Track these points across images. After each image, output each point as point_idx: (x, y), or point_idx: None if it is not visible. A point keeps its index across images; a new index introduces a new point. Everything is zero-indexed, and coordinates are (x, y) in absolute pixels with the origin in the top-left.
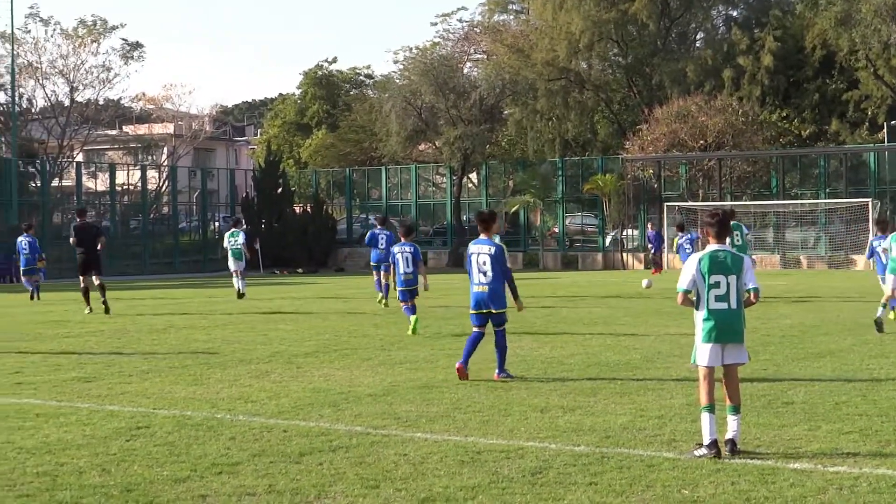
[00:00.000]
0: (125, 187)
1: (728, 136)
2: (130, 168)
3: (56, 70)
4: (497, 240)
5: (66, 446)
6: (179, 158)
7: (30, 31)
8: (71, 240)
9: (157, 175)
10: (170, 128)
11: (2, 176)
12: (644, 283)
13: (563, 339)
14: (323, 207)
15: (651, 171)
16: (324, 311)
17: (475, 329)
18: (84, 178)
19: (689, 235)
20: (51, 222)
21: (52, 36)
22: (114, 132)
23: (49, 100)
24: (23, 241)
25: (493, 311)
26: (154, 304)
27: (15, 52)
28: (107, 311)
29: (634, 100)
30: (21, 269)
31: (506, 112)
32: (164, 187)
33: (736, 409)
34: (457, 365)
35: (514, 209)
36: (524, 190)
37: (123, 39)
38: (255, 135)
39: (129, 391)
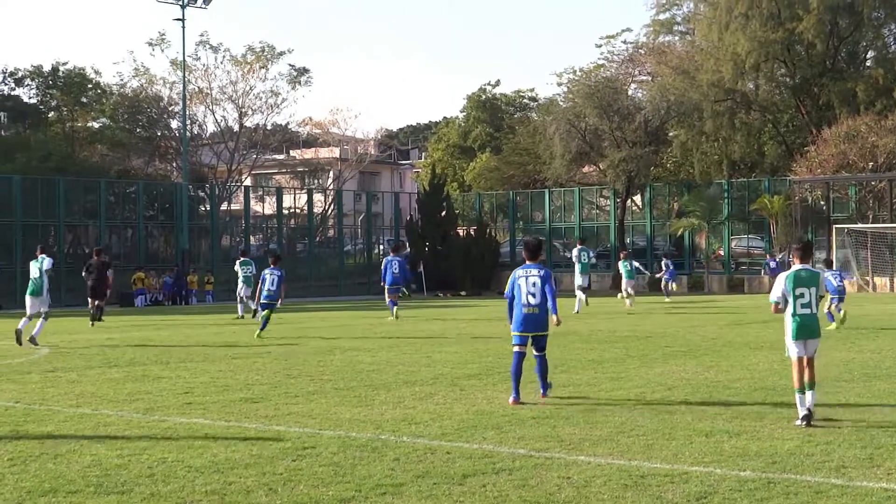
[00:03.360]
0: (292, 210)
1: None
2: (297, 192)
3: (225, 96)
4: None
5: (233, 465)
6: (345, 182)
7: (200, 59)
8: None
9: (322, 198)
10: (335, 152)
11: (173, 200)
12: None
13: (728, 362)
14: (486, 230)
15: (819, 192)
16: (487, 333)
17: (516, 349)
18: (252, 202)
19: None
20: (220, 245)
21: (221, 62)
22: (281, 156)
23: (219, 125)
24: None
25: (539, 335)
26: (320, 325)
27: (186, 79)
28: (92, 323)
29: (802, 120)
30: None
31: (671, 134)
32: (329, 210)
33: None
34: (510, 401)
35: (679, 232)
36: (689, 212)
37: (291, 65)
38: (420, 158)
39: (295, 412)
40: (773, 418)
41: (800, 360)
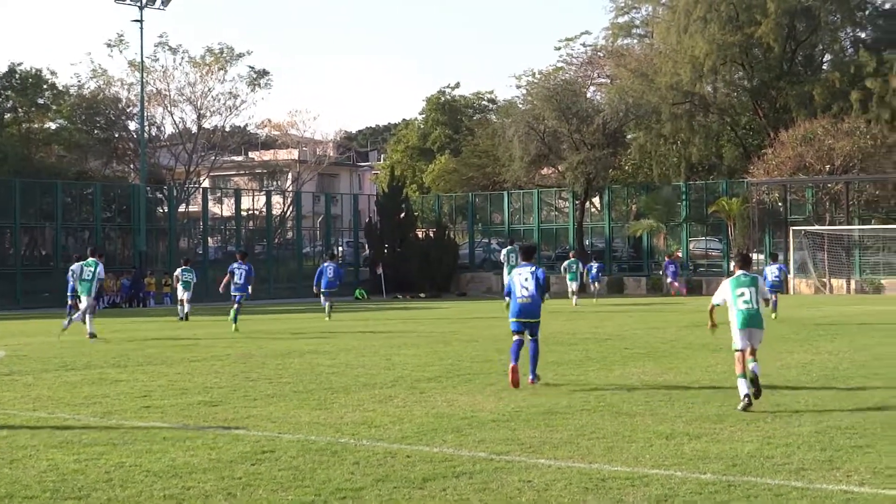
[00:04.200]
0: (250, 212)
1: (856, 160)
2: (256, 193)
3: (184, 97)
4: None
5: (192, 470)
6: (304, 184)
7: (158, 60)
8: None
9: (281, 200)
10: (294, 154)
11: (130, 202)
12: None
13: (688, 364)
14: (445, 232)
15: (777, 194)
16: (446, 336)
17: (515, 337)
18: (210, 204)
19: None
20: (177, 247)
21: (180, 64)
22: (240, 158)
23: (177, 127)
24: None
25: (532, 321)
26: (279, 328)
27: (144, 81)
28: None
29: (760, 123)
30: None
31: (629, 136)
32: (288, 212)
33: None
34: (510, 366)
35: (637, 233)
36: (648, 214)
37: (250, 67)
38: (379, 160)
39: (254, 415)
40: (733, 421)
41: (743, 352)
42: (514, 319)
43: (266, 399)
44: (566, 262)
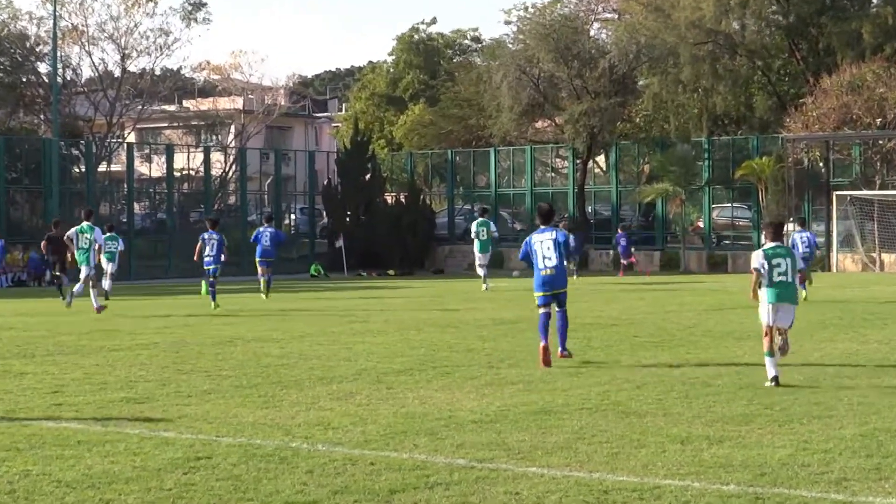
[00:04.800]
0: (185, 173)
1: None
2: (192, 150)
3: (105, 34)
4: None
5: (112, 480)
6: (249, 139)
7: None
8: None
9: (222, 158)
10: (238, 102)
11: (41, 160)
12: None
13: (708, 355)
14: (419, 197)
15: (818, 153)
16: (419, 321)
17: (542, 310)
18: (136, 162)
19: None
20: (98, 214)
21: None
22: (172, 108)
23: (97, 69)
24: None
25: (559, 292)
26: (218, 311)
27: (57, 14)
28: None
29: (797, 67)
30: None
31: (641, 83)
32: (231, 173)
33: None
34: (541, 347)
35: (649, 199)
36: (662, 176)
37: None
38: (340, 111)
39: (187, 414)
40: (762, 422)
41: (770, 328)
42: (541, 293)
43: (202, 395)
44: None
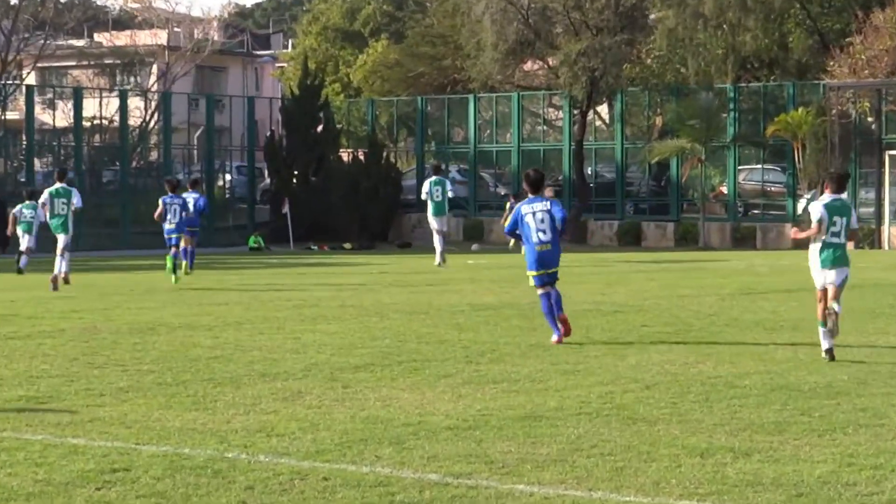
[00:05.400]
0: (96, 122)
1: None
2: (105, 95)
3: None
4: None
5: (10, 496)
6: (175, 81)
7: None
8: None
9: (142, 105)
10: (162, 37)
11: None
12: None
13: (734, 350)
14: (382, 154)
15: (867, 103)
16: (382, 306)
17: (541, 291)
18: (37, 109)
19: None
20: None
21: None
22: (81, 43)
23: None
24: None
25: (555, 269)
26: (137, 291)
27: None
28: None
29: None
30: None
31: (653, 16)
32: (152, 123)
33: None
34: (553, 340)
35: (661, 159)
36: (678, 131)
37: None
38: (286, 48)
39: (100, 417)
40: (798, 431)
41: (824, 291)
42: (537, 273)
43: (118, 394)
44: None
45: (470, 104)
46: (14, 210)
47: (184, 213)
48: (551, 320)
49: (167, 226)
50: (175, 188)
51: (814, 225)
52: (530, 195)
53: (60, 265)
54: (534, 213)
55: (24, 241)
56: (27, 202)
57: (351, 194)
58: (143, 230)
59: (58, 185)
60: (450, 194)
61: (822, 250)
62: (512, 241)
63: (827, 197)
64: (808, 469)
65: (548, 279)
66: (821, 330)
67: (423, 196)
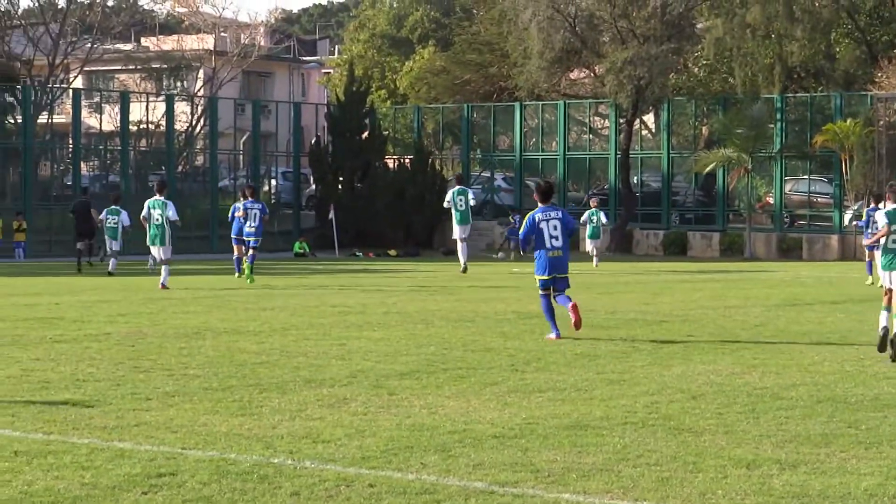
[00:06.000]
0: (143, 126)
1: None
2: (151, 99)
3: None
4: None
5: (56, 499)
6: (221, 86)
7: None
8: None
9: (188, 110)
10: (209, 42)
11: None
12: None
13: (780, 361)
14: (428, 161)
15: None
16: (427, 313)
17: (542, 293)
18: (84, 113)
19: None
20: (36, 175)
21: None
22: (128, 47)
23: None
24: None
25: (561, 276)
26: (184, 296)
27: None
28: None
29: (892, 9)
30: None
31: (700, 26)
32: (198, 128)
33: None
34: (552, 337)
35: (708, 169)
36: (725, 140)
37: None
38: (332, 54)
39: (146, 422)
40: (845, 443)
41: (890, 290)
42: (545, 277)
43: (164, 399)
44: (586, 213)
45: (516, 112)
46: (100, 216)
47: (264, 218)
48: (550, 319)
49: (247, 229)
50: (255, 194)
51: (882, 227)
52: (541, 205)
53: (163, 275)
54: (548, 221)
55: (110, 245)
56: (112, 207)
57: (396, 201)
58: (188, 234)
59: (157, 196)
60: (472, 203)
61: (884, 253)
62: (500, 252)
63: (890, 206)
64: (855, 481)
65: (555, 283)
66: (883, 313)
67: (446, 205)
